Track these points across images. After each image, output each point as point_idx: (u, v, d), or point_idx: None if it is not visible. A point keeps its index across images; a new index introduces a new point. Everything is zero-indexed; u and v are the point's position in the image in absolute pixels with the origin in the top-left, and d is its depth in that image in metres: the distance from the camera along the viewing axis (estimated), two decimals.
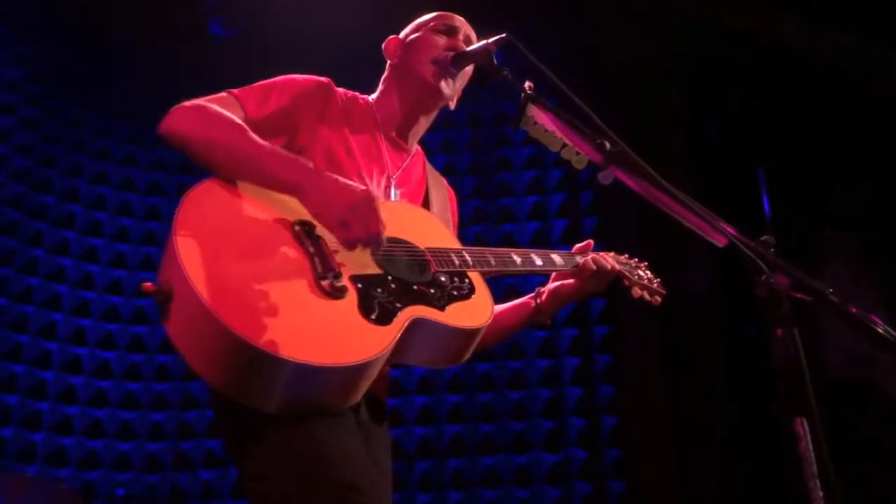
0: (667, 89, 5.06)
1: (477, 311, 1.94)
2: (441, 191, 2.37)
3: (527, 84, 1.78)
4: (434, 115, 2.32)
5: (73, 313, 5.03)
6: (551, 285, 2.25)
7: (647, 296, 2.40)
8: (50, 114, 5.29)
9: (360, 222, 1.80)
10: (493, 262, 2.06)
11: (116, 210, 5.35)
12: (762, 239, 1.50)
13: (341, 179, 1.86)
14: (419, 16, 2.32)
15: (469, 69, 2.21)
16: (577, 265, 2.20)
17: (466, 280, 1.99)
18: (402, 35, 2.32)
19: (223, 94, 2.04)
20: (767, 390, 4.54)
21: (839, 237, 4.85)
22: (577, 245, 2.29)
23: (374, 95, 2.32)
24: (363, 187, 1.86)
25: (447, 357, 1.96)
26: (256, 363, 1.62)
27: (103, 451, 4.87)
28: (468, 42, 2.23)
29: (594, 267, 2.18)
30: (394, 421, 5.02)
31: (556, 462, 4.79)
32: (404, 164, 2.26)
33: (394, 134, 2.26)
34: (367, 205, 1.81)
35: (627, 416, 4.78)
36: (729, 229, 1.51)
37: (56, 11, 5.18)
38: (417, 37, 2.25)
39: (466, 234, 5.22)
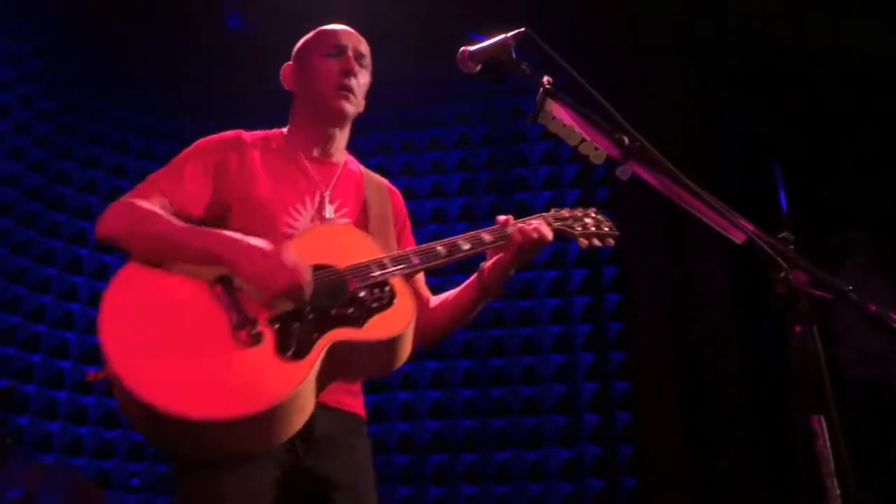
0: (683, 84, 5.03)
1: (396, 319, 1.98)
2: (380, 194, 2.41)
3: (545, 79, 1.77)
4: (349, 126, 2.38)
5: (89, 303, 5.07)
6: (490, 261, 2.27)
7: (596, 242, 2.36)
8: (68, 105, 5.32)
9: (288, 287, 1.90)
10: (415, 262, 2.10)
11: None
12: (781, 235, 1.49)
13: (266, 249, 1.92)
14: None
15: (367, 80, 2.33)
16: (507, 236, 2.21)
17: (387, 288, 2.02)
18: (293, 60, 2.39)
19: (144, 181, 2.16)
20: (784, 388, 4.52)
21: (855, 235, 4.82)
22: (500, 217, 2.27)
23: (286, 128, 2.38)
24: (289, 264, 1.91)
25: (381, 366, 2.03)
26: (176, 428, 1.72)
27: (118, 441, 4.92)
28: (358, 55, 2.31)
29: (520, 237, 2.18)
30: (406, 415, 5.03)
31: (569, 458, 4.79)
32: (335, 177, 2.31)
33: (316, 154, 2.32)
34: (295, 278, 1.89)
35: (641, 412, 4.78)
36: (748, 226, 1.50)
37: (74, 4, 5.21)
38: (309, 66, 2.32)
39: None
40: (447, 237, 2.22)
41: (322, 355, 1.85)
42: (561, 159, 5.31)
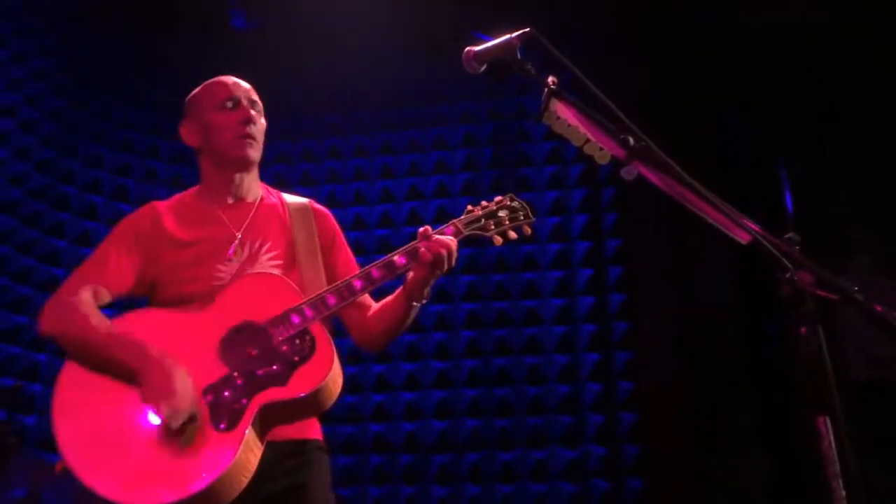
0: (683, 84, 5.02)
1: (317, 369, 2.09)
2: (304, 219, 2.47)
3: (550, 79, 1.77)
4: (256, 167, 2.48)
5: None
6: (411, 274, 2.30)
7: (512, 235, 2.40)
8: (73, 104, 5.33)
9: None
10: (332, 303, 2.18)
11: (138, 201, 5.38)
12: (787, 236, 1.49)
13: (165, 372, 2.05)
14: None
15: (264, 124, 2.45)
16: (418, 256, 2.24)
17: (308, 337, 2.13)
18: (187, 116, 2.47)
19: (74, 274, 2.30)
20: (788, 388, 4.51)
21: (860, 236, 4.81)
22: (420, 230, 2.30)
23: (199, 185, 2.48)
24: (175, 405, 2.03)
25: (313, 411, 2.18)
26: None
27: None
28: (252, 103, 2.43)
29: (429, 256, 2.22)
30: (410, 415, 5.03)
31: (573, 458, 4.79)
32: (249, 217, 2.40)
33: (231, 201, 2.42)
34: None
35: (646, 412, 4.77)
36: (753, 226, 1.50)
37: (81, 2, 5.22)
38: (208, 121, 2.41)
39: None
40: None
41: (251, 421, 2.00)
42: (566, 159, 5.31)
